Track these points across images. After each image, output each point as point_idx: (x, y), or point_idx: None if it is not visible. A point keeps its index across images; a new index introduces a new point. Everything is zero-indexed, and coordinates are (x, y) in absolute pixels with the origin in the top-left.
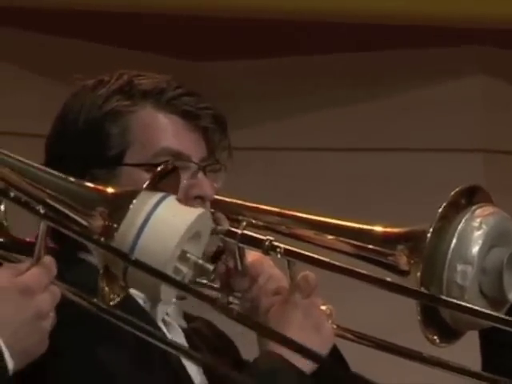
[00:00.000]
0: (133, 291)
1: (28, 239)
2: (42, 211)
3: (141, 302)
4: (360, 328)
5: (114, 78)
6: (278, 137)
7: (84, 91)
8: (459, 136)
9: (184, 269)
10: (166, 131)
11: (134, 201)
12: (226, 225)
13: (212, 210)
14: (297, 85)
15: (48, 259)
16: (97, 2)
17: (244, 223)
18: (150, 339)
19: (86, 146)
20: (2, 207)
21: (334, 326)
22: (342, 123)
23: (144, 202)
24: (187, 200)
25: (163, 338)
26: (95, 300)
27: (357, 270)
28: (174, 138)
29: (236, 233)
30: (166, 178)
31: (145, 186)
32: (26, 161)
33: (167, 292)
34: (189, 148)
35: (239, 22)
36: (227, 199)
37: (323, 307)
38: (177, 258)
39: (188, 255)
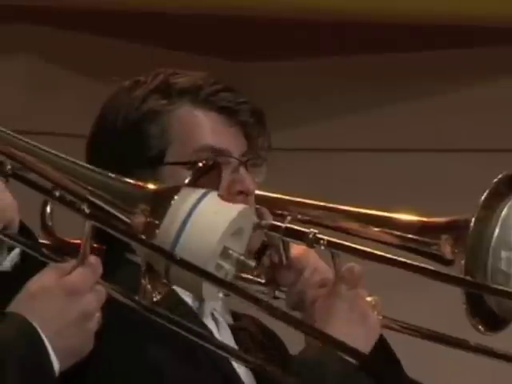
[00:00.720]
0: (179, 289)
1: (73, 240)
2: (86, 211)
3: (188, 300)
4: (406, 319)
5: (150, 78)
6: (317, 138)
7: (121, 93)
8: (498, 136)
9: (226, 265)
10: (204, 128)
11: (176, 197)
12: (269, 219)
13: (257, 206)
14: (336, 85)
15: (93, 259)
16: (137, 2)
17: (289, 218)
18: (196, 339)
19: (125, 148)
20: (48, 208)
21: (380, 317)
22: (381, 124)
23: (185, 199)
24: (229, 195)
25: (210, 339)
26: (139, 298)
27: (401, 259)
28: (214, 135)
29: (280, 226)
30: (207, 175)
31: (186, 182)
32: (69, 158)
33: (209, 289)
34: (229, 143)
35: (278, 22)
36: (271, 194)
37: (369, 298)
38: (219, 254)
39: (230, 252)
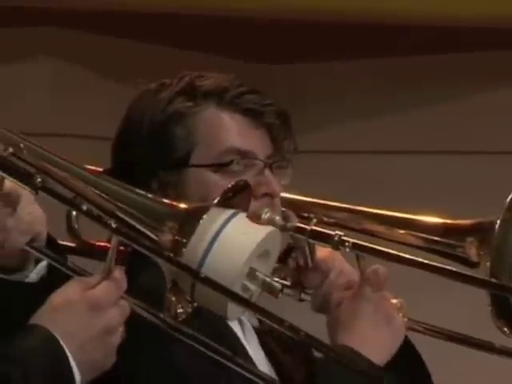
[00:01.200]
0: None
1: (99, 243)
2: (113, 225)
3: None
4: (431, 321)
5: (175, 81)
6: (349, 140)
7: (147, 95)
8: None
9: (252, 287)
10: (230, 130)
11: (204, 216)
12: (295, 221)
13: (282, 208)
14: (367, 88)
15: (118, 273)
16: (163, 4)
17: (314, 220)
18: (223, 359)
19: (151, 150)
20: (74, 212)
21: (405, 319)
22: (410, 126)
23: (214, 219)
24: (255, 198)
25: (235, 359)
26: (163, 316)
27: (426, 261)
28: (239, 137)
29: (305, 229)
30: (236, 195)
31: (215, 202)
32: (99, 173)
33: (234, 310)
34: (254, 145)
35: (303, 24)
36: (297, 197)
37: (394, 300)
38: (245, 275)
39: (256, 273)
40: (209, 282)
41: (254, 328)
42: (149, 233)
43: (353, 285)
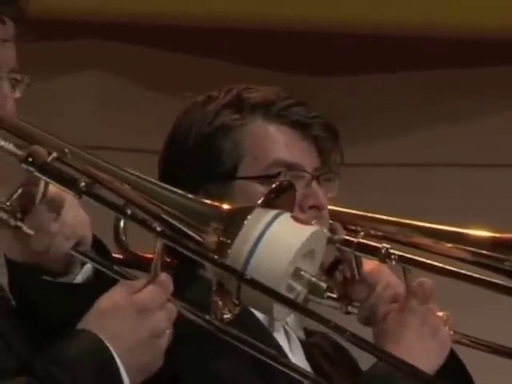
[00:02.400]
0: None
1: (146, 255)
2: (158, 229)
3: (259, 314)
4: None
5: (222, 93)
6: (392, 152)
7: (194, 107)
8: None
9: (298, 286)
10: (277, 142)
11: (249, 217)
12: (342, 234)
13: (330, 221)
14: (410, 100)
15: (164, 277)
16: (210, 18)
17: (362, 233)
18: (268, 359)
19: (198, 162)
20: (122, 223)
21: (451, 332)
22: (456, 138)
23: (258, 219)
24: (302, 210)
25: (280, 359)
26: (210, 318)
27: (472, 274)
28: (286, 149)
29: (352, 241)
30: (281, 195)
31: (259, 202)
32: (143, 176)
33: (280, 310)
34: (301, 158)
35: (352, 37)
36: (344, 210)
37: (440, 313)
38: (290, 275)
39: (302, 273)
40: (254, 284)
41: (301, 341)
42: (193, 234)
43: (399, 297)
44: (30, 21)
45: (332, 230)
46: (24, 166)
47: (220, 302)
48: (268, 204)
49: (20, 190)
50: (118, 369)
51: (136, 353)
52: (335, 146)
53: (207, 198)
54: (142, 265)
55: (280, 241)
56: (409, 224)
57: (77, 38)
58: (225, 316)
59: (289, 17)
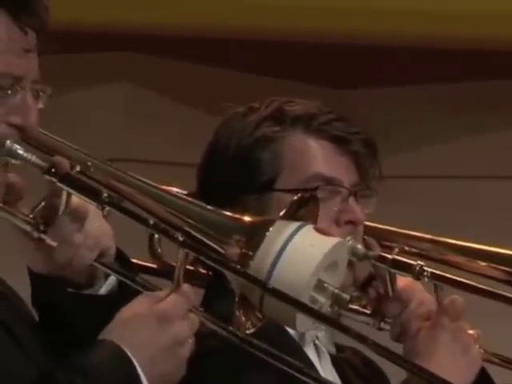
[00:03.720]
0: None
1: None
2: (180, 239)
3: (290, 328)
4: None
5: (264, 105)
6: (424, 164)
7: (235, 118)
8: None
9: (321, 298)
10: (317, 156)
11: (271, 229)
12: (377, 250)
13: (364, 237)
14: (442, 111)
15: (186, 287)
16: (237, 30)
17: (396, 249)
18: (297, 373)
19: (237, 172)
20: (156, 235)
21: (482, 350)
22: (494, 150)
23: (281, 231)
24: (337, 225)
25: (310, 373)
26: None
27: (504, 293)
28: (325, 164)
29: (387, 258)
30: (303, 207)
31: (281, 214)
32: (165, 188)
33: (303, 321)
34: (340, 173)
35: (380, 49)
36: (380, 226)
37: (471, 331)
38: (313, 287)
39: (325, 285)
40: (276, 293)
41: (331, 356)
42: (216, 246)
43: (432, 315)
44: (57, 33)
45: (367, 246)
46: (47, 177)
47: (242, 315)
48: (290, 216)
49: (43, 203)
50: (139, 378)
51: (157, 362)
52: (374, 162)
53: (244, 209)
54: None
55: (302, 252)
56: (443, 242)
57: (103, 51)
58: (247, 329)
59: (314, 29)
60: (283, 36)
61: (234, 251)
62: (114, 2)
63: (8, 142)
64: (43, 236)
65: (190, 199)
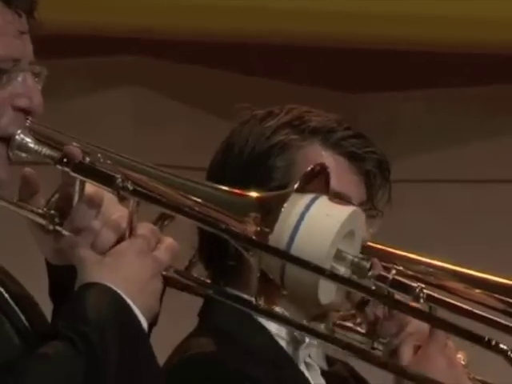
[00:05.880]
0: (275, 332)
1: None
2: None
3: (283, 344)
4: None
5: (283, 111)
6: (434, 169)
7: (252, 121)
8: None
9: (341, 268)
10: (330, 171)
11: (285, 204)
12: (377, 269)
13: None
14: (453, 116)
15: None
16: (245, 34)
17: (394, 271)
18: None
19: (249, 175)
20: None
21: (471, 376)
22: (501, 155)
23: (296, 204)
24: None
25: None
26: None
27: (499, 320)
28: (337, 179)
29: (387, 278)
30: (315, 179)
31: (294, 188)
32: (176, 173)
33: (326, 289)
34: (350, 190)
35: (395, 53)
36: (379, 246)
37: (458, 355)
38: (333, 256)
39: (344, 254)
40: (298, 261)
41: (323, 371)
42: (234, 224)
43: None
44: (67, 37)
45: (371, 266)
46: (59, 167)
47: (263, 292)
48: (303, 189)
49: (57, 195)
50: (131, 310)
51: (143, 296)
52: (384, 183)
53: None
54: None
55: (319, 223)
56: (441, 266)
57: (113, 55)
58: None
59: (329, 34)
60: (292, 40)
61: (251, 229)
62: (124, 7)
63: (17, 136)
64: (58, 228)
65: (200, 180)
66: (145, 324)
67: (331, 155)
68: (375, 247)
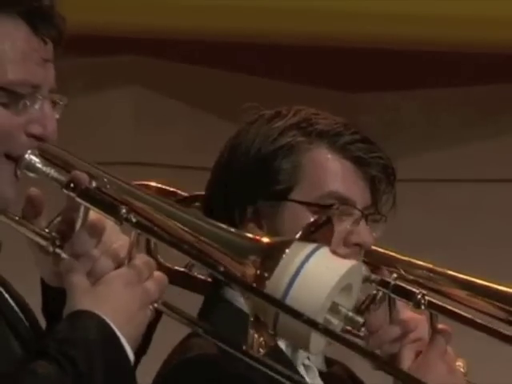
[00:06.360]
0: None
1: (177, 268)
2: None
3: (282, 346)
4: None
5: (291, 113)
6: (434, 169)
7: (260, 121)
8: None
9: (334, 321)
10: (336, 175)
11: (287, 251)
12: (380, 274)
13: (364, 259)
14: (453, 116)
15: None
16: (246, 34)
17: (395, 275)
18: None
19: (254, 177)
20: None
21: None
22: (502, 154)
23: (297, 253)
24: (345, 246)
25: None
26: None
27: (501, 330)
28: (343, 183)
29: (389, 283)
30: (319, 229)
31: (297, 236)
32: (180, 207)
33: (317, 342)
34: (355, 194)
35: (395, 53)
36: (381, 250)
37: (458, 363)
38: (327, 309)
39: (339, 307)
40: (292, 312)
41: (321, 373)
42: (231, 265)
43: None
44: (68, 37)
45: (374, 270)
46: (65, 191)
47: (256, 334)
48: (306, 238)
49: (60, 217)
50: (119, 339)
51: (130, 326)
52: (389, 188)
53: (255, 214)
54: (172, 278)
55: (317, 275)
56: (442, 272)
57: (114, 55)
58: (260, 347)
59: (329, 34)
60: (293, 40)
61: (249, 272)
62: (124, 7)
63: (26, 155)
64: (58, 250)
65: (205, 218)
66: (131, 354)
67: (337, 159)
68: (377, 251)
